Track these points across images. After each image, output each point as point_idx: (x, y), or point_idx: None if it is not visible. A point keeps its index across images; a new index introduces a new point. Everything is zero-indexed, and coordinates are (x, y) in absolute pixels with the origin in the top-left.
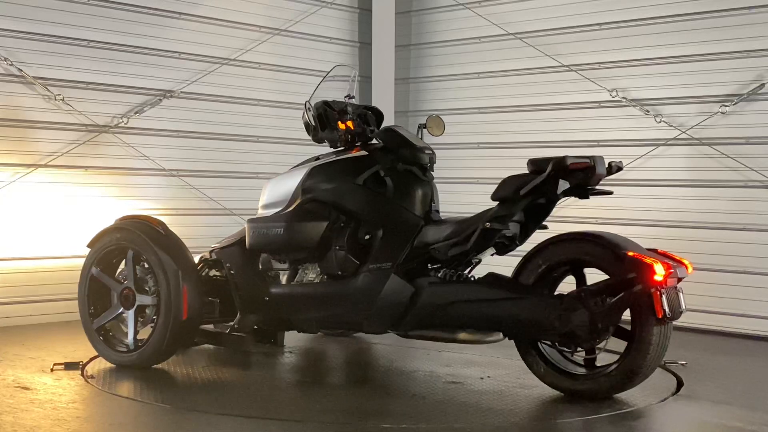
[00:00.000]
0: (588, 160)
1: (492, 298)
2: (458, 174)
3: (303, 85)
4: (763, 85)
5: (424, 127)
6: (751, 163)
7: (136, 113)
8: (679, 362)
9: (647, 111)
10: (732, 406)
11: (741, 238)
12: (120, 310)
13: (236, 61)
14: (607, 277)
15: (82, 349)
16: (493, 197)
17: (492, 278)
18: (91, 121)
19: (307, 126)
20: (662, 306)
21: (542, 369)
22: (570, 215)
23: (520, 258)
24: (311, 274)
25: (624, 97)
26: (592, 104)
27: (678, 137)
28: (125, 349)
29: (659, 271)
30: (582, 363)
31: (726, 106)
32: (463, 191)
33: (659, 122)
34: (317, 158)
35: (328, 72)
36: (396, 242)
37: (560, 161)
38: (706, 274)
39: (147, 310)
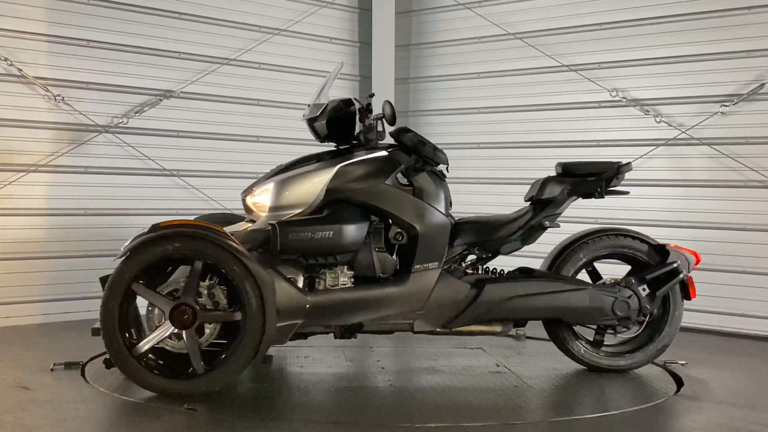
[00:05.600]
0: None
1: (558, 291)
2: (458, 174)
3: (303, 85)
4: (763, 85)
5: (382, 117)
6: (751, 163)
7: (135, 113)
8: (679, 362)
9: (647, 111)
10: (732, 406)
11: (741, 238)
12: (170, 330)
13: (236, 61)
14: (630, 267)
15: (82, 349)
16: (534, 198)
17: (539, 273)
18: (91, 121)
19: (339, 123)
20: (695, 289)
21: (582, 350)
22: (571, 215)
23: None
24: (343, 278)
25: (624, 97)
26: (592, 104)
27: (678, 137)
28: (183, 374)
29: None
30: (592, 342)
31: (726, 106)
32: (463, 191)
33: (659, 122)
34: (319, 158)
35: (337, 70)
36: (436, 242)
37: (626, 166)
38: (706, 274)
39: (206, 328)
